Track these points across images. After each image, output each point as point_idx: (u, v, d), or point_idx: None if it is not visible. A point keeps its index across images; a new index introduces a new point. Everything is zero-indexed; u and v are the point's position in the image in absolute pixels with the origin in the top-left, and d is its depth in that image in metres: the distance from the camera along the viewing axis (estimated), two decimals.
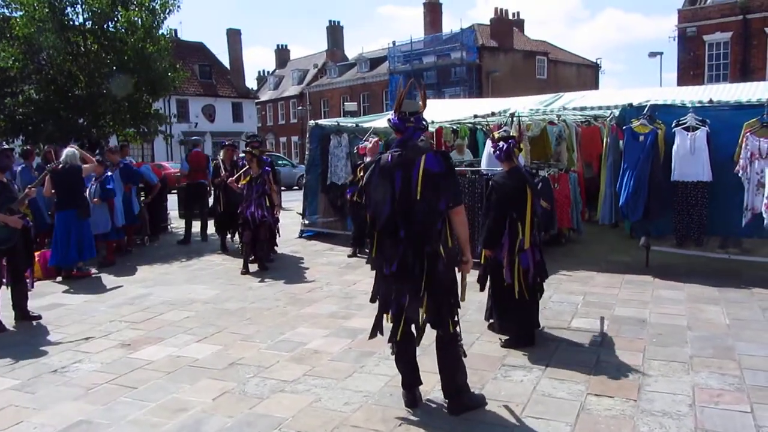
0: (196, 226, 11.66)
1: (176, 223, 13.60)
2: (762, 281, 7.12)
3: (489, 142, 9.21)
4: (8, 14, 12.74)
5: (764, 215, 6.97)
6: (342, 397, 4.26)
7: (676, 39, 29.11)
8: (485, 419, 3.84)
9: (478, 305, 6.13)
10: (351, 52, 58.88)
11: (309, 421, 3.90)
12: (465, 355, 4.01)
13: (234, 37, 49.47)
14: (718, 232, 7.98)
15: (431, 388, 4.23)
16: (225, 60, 50.17)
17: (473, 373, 4.40)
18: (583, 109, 9.16)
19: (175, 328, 6.12)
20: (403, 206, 3.74)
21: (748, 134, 7.09)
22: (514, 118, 8.82)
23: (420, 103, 3.98)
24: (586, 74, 49.13)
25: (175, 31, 37.74)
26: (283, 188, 22.53)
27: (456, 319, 3.92)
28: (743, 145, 7.13)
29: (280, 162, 27.57)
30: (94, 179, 9.20)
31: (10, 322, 6.38)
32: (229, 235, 10.61)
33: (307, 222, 11.75)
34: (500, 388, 4.32)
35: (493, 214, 5.05)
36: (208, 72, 47.88)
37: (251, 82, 61.64)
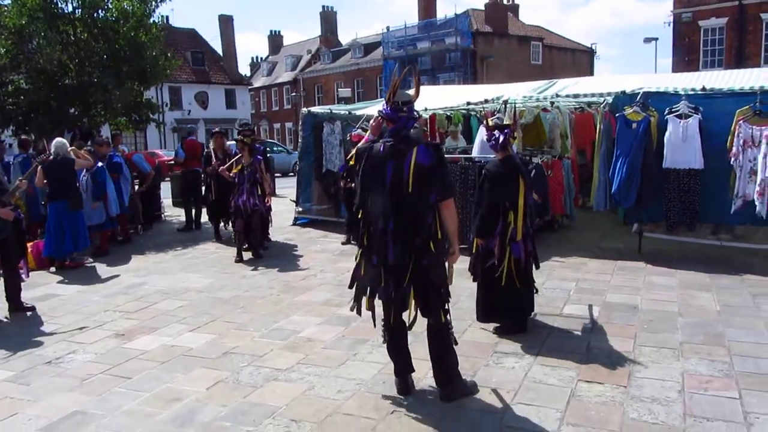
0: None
1: (170, 212, 13.58)
2: (753, 267, 7.17)
3: (482, 129, 9.23)
4: None
5: (756, 203, 7.00)
6: (335, 385, 4.29)
7: (672, 24, 29.01)
8: (477, 406, 3.88)
9: (470, 293, 6.13)
10: (345, 37, 58.71)
11: (302, 409, 3.93)
12: (456, 343, 4.04)
13: (226, 23, 49.10)
14: (710, 219, 8.02)
15: (423, 375, 4.26)
16: (217, 47, 49.85)
17: (465, 360, 4.43)
18: (576, 96, 9.15)
19: (169, 317, 6.14)
20: (393, 197, 3.74)
21: (741, 122, 7.11)
22: (508, 105, 8.81)
23: (413, 92, 3.96)
24: (581, 59, 49.02)
25: (167, 18, 37.48)
26: (278, 175, 22.59)
27: (446, 307, 3.94)
28: (736, 132, 7.15)
29: (275, 149, 27.51)
30: (85, 171, 9.17)
31: (3, 314, 6.39)
32: (222, 224, 10.60)
33: (300, 209, 11.75)
34: (492, 375, 4.35)
35: (485, 204, 5.05)
36: (201, 59, 47.54)
37: (244, 69, 61.43)
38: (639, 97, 7.88)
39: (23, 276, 6.68)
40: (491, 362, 4.62)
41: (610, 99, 8.38)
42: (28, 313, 6.46)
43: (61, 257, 8.57)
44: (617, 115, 7.97)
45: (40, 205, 9.56)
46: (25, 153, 10.27)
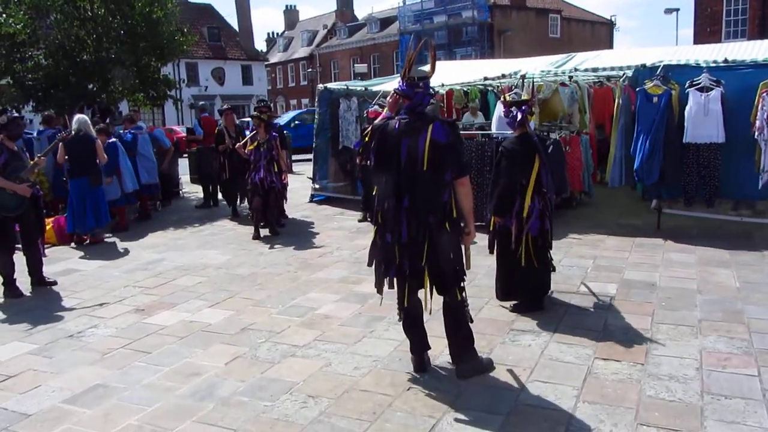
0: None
1: (188, 188, 13.67)
2: None
3: (500, 105, 9.12)
4: None
5: None
6: (352, 361, 4.33)
7: None
8: (493, 383, 3.90)
9: (487, 270, 6.15)
10: (361, 12, 58.32)
11: (319, 385, 3.97)
12: (472, 321, 4.04)
13: None
14: (732, 194, 7.89)
15: (439, 352, 4.28)
16: (233, 22, 49.63)
17: (481, 337, 4.44)
18: (595, 70, 8.99)
19: (188, 293, 6.21)
20: (408, 175, 3.72)
21: (764, 94, 6.94)
22: (525, 80, 8.69)
23: (428, 68, 3.91)
24: (600, 32, 48.12)
25: None
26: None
27: (462, 285, 3.94)
28: (759, 105, 6.99)
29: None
30: None
31: (27, 288, 6.51)
32: (238, 201, 10.64)
33: (317, 186, 11.75)
34: (508, 353, 4.36)
35: (502, 181, 5.00)
36: (217, 34, 47.40)
37: (260, 44, 61.15)
38: (659, 70, 7.72)
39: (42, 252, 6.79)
40: (507, 340, 4.62)
41: (630, 73, 8.22)
42: (51, 288, 6.57)
43: (84, 233, 8.68)
44: (637, 89, 7.82)
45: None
46: (51, 128, 10.35)
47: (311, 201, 11.72)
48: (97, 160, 8.42)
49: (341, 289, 6.11)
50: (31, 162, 6.65)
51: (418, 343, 4.11)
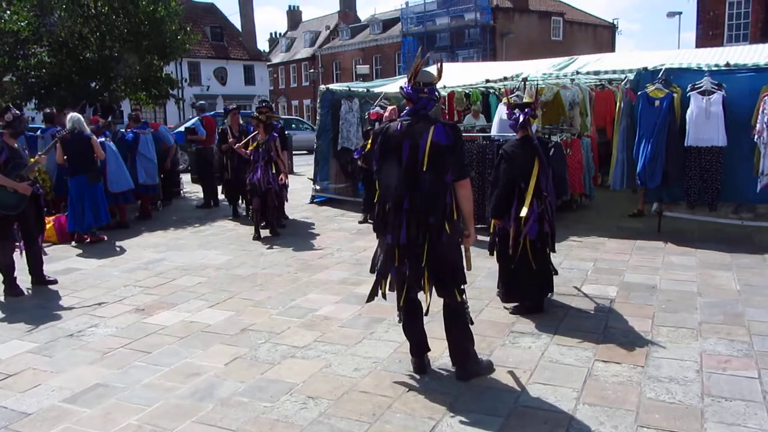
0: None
1: (188, 188, 13.68)
2: None
3: (501, 107, 9.14)
4: None
5: None
6: (351, 363, 4.33)
7: None
8: (493, 385, 3.89)
9: (488, 272, 6.15)
10: (363, 13, 58.35)
11: (319, 386, 3.97)
12: (472, 323, 4.04)
13: None
14: (732, 198, 7.89)
15: (439, 354, 4.28)
16: (236, 22, 49.68)
17: (481, 339, 4.44)
18: (597, 73, 8.99)
19: (188, 293, 6.21)
20: (409, 176, 3.73)
21: (765, 98, 6.94)
22: (527, 83, 8.69)
23: (435, 74, 3.92)
24: (603, 35, 48.12)
25: None
26: (304, 152, 22.57)
27: (462, 287, 3.93)
28: (761, 109, 6.99)
29: (293, 125, 27.39)
30: None
31: (27, 287, 6.51)
32: (241, 200, 10.63)
33: (318, 187, 11.76)
34: (508, 355, 4.36)
35: (501, 184, 5.00)
36: (220, 34, 47.41)
37: (263, 45, 61.22)
38: (661, 73, 7.73)
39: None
40: (507, 342, 4.62)
41: (631, 76, 8.23)
42: (51, 287, 6.58)
43: (83, 231, 8.69)
44: (639, 93, 7.83)
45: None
46: (54, 126, 10.35)
47: (312, 202, 11.73)
48: (95, 157, 8.43)
49: (341, 291, 6.10)
50: (31, 160, 6.66)
51: (418, 345, 4.11)
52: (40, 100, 12.91)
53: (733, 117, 7.32)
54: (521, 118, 4.96)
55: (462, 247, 3.93)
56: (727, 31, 26.85)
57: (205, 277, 6.83)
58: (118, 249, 8.41)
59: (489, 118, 11.52)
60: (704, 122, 7.35)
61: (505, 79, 9.28)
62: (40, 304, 6.02)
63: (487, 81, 9.60)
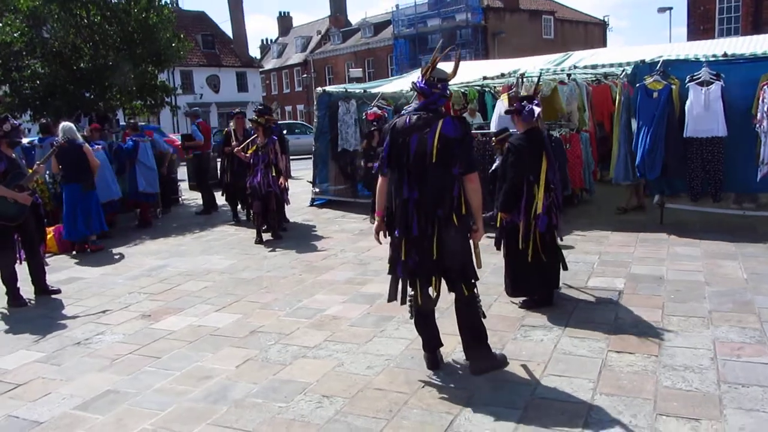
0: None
1: (187, 195, 13.63)
2: None
3: (499, 104, 9.14)
4: None
5: None
6: (364, 361, 4.30)
7: None
8: (509, 378, 3.88)
9: (494, 267, 6.14)
10: (354, 17, 58.32)
11: (333, 385, 3.94)
12: (485, 316, 4.03)
13: (236, 5, 48.69)
14: (735, 188, 7.91)
15: (452, 349, 4.26)
16: (227, 29, 49.63)
17: (493, 334, 4.41)
18: (594, 67, 9.00)
19: (194, 298, 6.18)
20: (417, 169, 3.72)
21: (765, 87, 6.96)
22: (524, 79, 8.70)
23: (450, 71, 3.91)
24: (594, 32, 48.26)
25: (176, 0, 37.18)
26: (305, 157, 22.51)
27: (472, 281, 3.92)
28: (760, 97, 7.00)
29: (297, 130, 27.36)
30: None
31: (29, 297, 6.46)
32: (239, 205, 10.59)
33: (317, 190, 11.73)
34: (521, 348, 4.34)
35: (510, 178, 4.98)
36: (211, 42, 47.33)
37: (254, 51, 61.14)
38: (659, 65, 7.73)
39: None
40: (519, 336, 4.60)
41: (629, 69, 8.23)
42: (54, 296, 6.53)
43: (75, 240, 8.62)
44: (637, 85, 7.83)
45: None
46: (51, 136, 10.29)
47: (312, 205, 11.69)
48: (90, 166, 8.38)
49: (348, 291, 6.08)
50: (30, 170, 6.63)
51: (431, 341, 4.09)
52: (36, 111, 12.83)
53: (732, 107, 7.33)
54: (536, 111, 4.92)
55: (471, 242, 3.91)
56: (718, 25, 26.96)
57: (209, 281, 6.79)
58: (120, 257, 8.37)
59: (484, 117, 11.54)
60: (704, 113, 7.35)
61: (503, 75, 9.27)
62: (44, 314, 5.98)
63: (485, 78, 9.60)
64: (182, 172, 13.91)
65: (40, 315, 5.95)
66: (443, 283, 3.94)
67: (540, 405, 3.51)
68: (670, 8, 27.85)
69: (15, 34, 11.84)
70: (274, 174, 8.68)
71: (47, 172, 8.75)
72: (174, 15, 13.55)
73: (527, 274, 5.11)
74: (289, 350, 4.60)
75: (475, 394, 3.68)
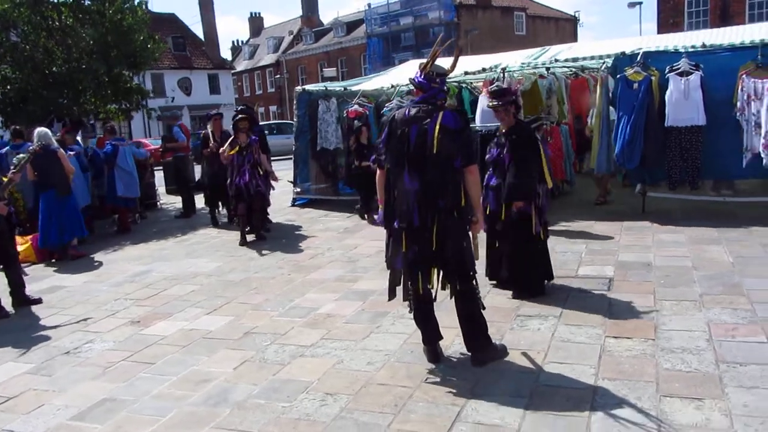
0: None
1: (164, 199, 13.44)
2: (758, 220, 7.19)
3: (482, 98, 9.16)
4: None
5: (762, 155, 7.02)
6: (363, 357, 4.28)
7: None
8: (510, 367, 3.89)
9: (484, 260, 6.13)
10: (326, 16, 58.17)
11: (335, 382, 3.91)
12: (484, 308, 4.04)
13: (206, 6, 48.06)
14: (713, 175, 8.04)
15: (450, 342, 4.26)
16: (198, 31, 49.01)
17: (490, 324, 4.37)
18: (575, 60, 9.09)
19: (183, 302, 6.08)
20: (417, 160, 3.72)
21: (743, 76, 7.09)
22: (505, 73, 8.74)
23: (448, 67, 3.92)
24: (565, 28, 48.78)
25: (147, 2, 36.64)
26: (284, 158, 22.37)
27: (472, 273, 3.92)
28: (740, 87, 7.13)
29: (275, 130, 27.14)
30: None
31: (10, 310, 6.28)
32: (220, 207, 10.43)
33: (298, 190, 11.64)
34: (519, 338, 4.36)
35: (535, 166, 5.04)
36: (182, 44, 46.68)
37: (225, 53, 60.50)
38: (639, 57, 7.82)
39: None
40: (515, 326, 4.62)
41: (609, 61, 8.32)
42: (37, 306, 6.37)
43: (50, 247, 8.43)
44: (618, 76, 7.92)
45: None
46: (23, 142, 10.05)
47: (293, 205, 11.60)
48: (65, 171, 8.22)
49: (339, 288, 6.04)
50: (4, 179, 6.44)
51: (430, 334, 4.08)
52: (7, 117, 12.52)
53: (710, 96, 7.44)
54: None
55: (470, 234, 3.91)
56: (687, 18, 27.41)
57: (197, 285, 6.70)
58: (101, 264, 8.20)
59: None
60: (683, 102, 7.46)
61: (484, 70, 9.30)
62: (28, 324, 5.82)
63: (466, 73, 9.61)
64: (158, 176, 13.68)
65: (24, 326, 5.79)
66: (441, 274, 3.93)
67: (545, 392, 3.53)
68: (640, 2, 28.25)
69: None
70: (261, 173, 8.59)
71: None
72: (148, 16, 13.33)
73: (533, 261, 5.20)
74: (286, 350, 4.56)
75: (479, 384, 3.69)
